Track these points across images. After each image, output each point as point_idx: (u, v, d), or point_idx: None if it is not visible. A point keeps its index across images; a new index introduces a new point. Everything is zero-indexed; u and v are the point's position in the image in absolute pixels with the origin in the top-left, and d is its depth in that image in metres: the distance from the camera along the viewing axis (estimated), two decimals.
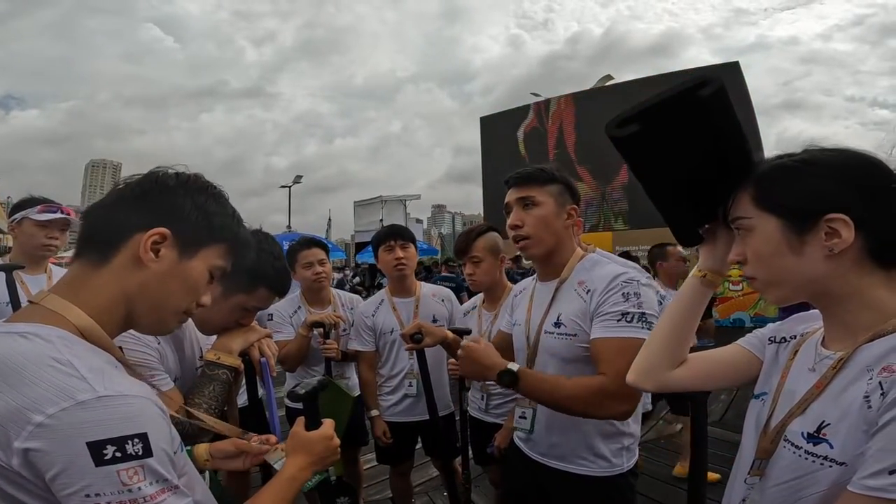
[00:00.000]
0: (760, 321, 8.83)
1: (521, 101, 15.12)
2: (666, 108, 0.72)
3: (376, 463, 2.56)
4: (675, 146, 0.75)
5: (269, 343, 1.28)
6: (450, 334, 1.67)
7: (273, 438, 1.07)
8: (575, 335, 1.26)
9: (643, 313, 1.18)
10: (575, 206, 1.35)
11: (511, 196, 1.36)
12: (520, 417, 1.40)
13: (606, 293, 1.21)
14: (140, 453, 0.55)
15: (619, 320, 1.18)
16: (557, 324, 1.30)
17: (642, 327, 1.16)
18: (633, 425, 1.32)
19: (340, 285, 11.18)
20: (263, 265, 1.18)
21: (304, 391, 0.96)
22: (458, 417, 2.11)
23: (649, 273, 2.04)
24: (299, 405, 0.99)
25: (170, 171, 0.77)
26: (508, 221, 1.36)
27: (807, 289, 0.72)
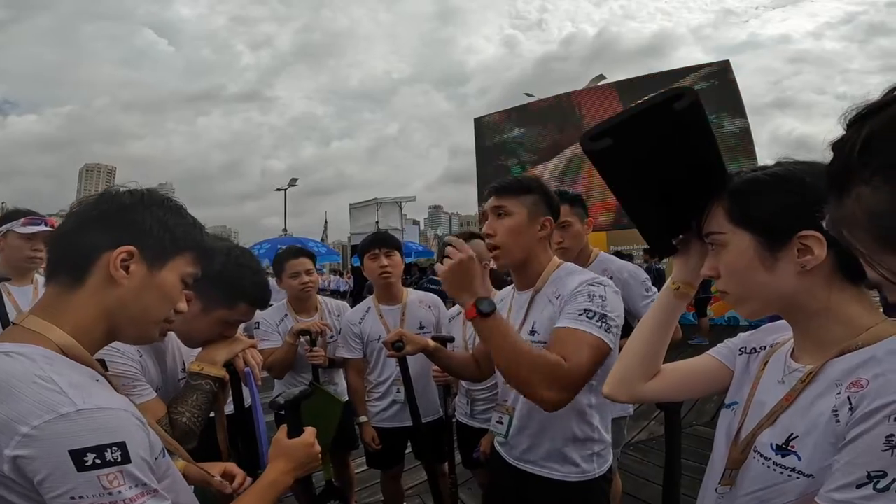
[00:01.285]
0: (754, 320, 8.87)
1: (515, 103, 15.16)
2: (639, 121, 0.72)
3: (367, 467, 2.57)
4: (648, 159, 0.75)
5: (254, 353, 1.31)
6: (431, 343, 1.69)
7: (239, 479, 1.09)
8: (547, 342, 1.27)
9: (605, 314, 1.17)
10: (550, 218, 1.36)
11: (487, 205, 1.40)
12: (496, 423, 1.42)
13: (573, 294, 1.24)
14: (119, 460, 0.60)
15: (580, 314, 1.18)
16: (532, 332, 1.32)
17: (601, 327, 1.16)
18: (603, 432, 1.34)
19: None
20: (242, 280, 1.22)
21: (284, 401, 0.99)
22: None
23: (648, 275, 2.08)
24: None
25: (122, 189, 0.81)
26: (483, 229, 1.39)
27: (778, 304, 0.73)
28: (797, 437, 0.66)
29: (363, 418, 2.24)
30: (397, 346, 1.63)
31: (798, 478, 0.64)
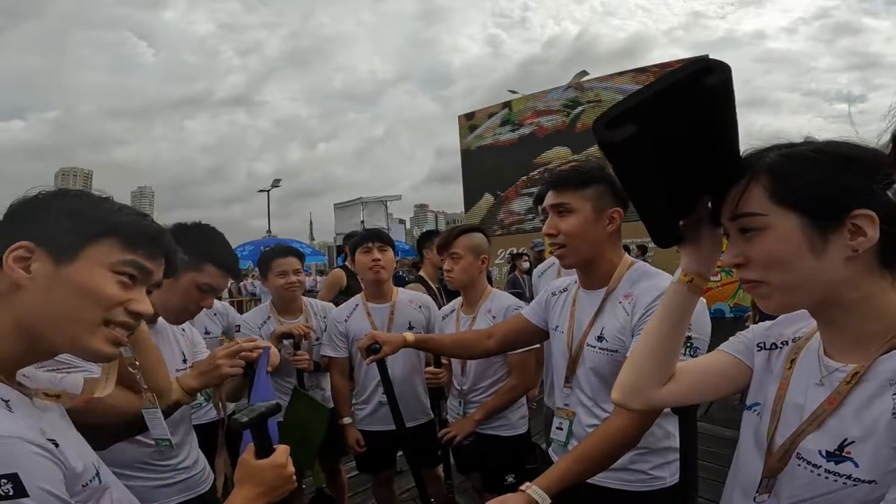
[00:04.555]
0: (740, 311, 8.99)
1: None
2: (664, 100, 0.60)
3: (358, 471, 2.50)
4: (673, 143, 0.64)
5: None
6: (409, 336, 1.59)
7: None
8: (616, 351, 1.20)
9: (689, 338, 1.05)
10: (618, 209, 1.26)
11: (547, 200, 1.29)
12: (556, 429, 1.33)
13: (650, 311, 1.13)
14: (11, 493, 0.55)
15: None
16: (600, 338, 1.24)
17: (685, 353, 1.02)
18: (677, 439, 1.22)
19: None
20: (208, 242, 1.30)
21: (247, 418, 0.84)
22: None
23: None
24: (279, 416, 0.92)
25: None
26: (543, 228, 1.31)
27: (820, 295, 0.65)
28: (852, 442, 0.60)
29: (347, 420, 2.17)
30: (374, 349, 1.54)
31: (856, 484, 0.59)
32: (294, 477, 0.88)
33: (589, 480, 1.21)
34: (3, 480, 0.54)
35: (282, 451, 0.87)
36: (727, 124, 0.65)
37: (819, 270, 0.63)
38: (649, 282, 1.21)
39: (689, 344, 1.05)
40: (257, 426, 0.86)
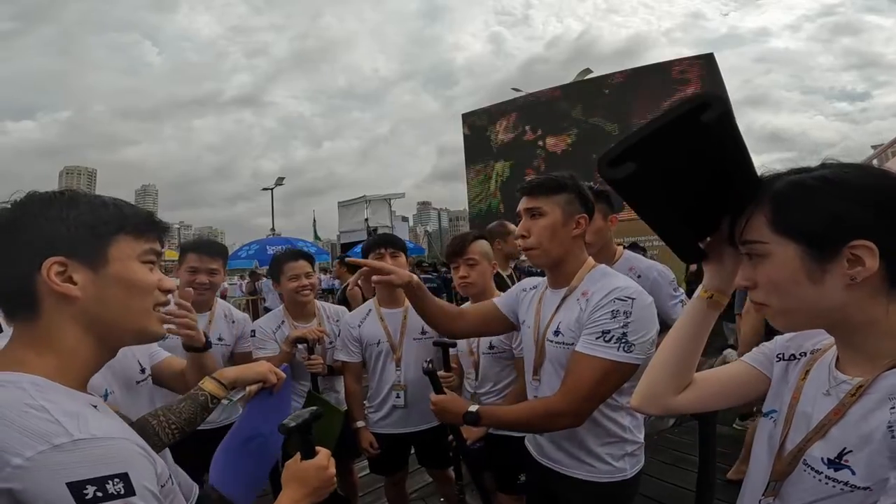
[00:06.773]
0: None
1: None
2: (663, 137, 0.64)
3: (370, 472, 2.53)
4: (675, 176, 0.68)
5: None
6: (416, 279, 1.52)
7: None
8: (572, 344, 1.28)
9: (624, 334, 1.17)
10: (584, 216, 1.35)
11: (521, 205, 1.38)
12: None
13: (598, 306, 1.23)
14: (122, 492, 0.57)
15: (597, 337, 1.19)
16: (557, 332, 1.33)
17: (619, 348, 1.16)
18: (636, 432, 1.33)
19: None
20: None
21: (294, 424, 0.94)
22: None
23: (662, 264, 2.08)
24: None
25: None
26: (517, 230, 1.40)
27: (823, 319, 0.69)
28: (850, 451, 0.64)
29: (360, 423, 2.19)
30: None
31: (853, 491, 0.62)
32: (335, 479, 0.95)
33: (558, 469, 1.38)
34: (116, 480, 0.57)
35: (324, 455, 0.95)
36: (731, 154, 0.67)
37: (818, 297, 0.65)
38: (605, 281, 1.29)
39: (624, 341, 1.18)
40: (303, 431, 0.95)
